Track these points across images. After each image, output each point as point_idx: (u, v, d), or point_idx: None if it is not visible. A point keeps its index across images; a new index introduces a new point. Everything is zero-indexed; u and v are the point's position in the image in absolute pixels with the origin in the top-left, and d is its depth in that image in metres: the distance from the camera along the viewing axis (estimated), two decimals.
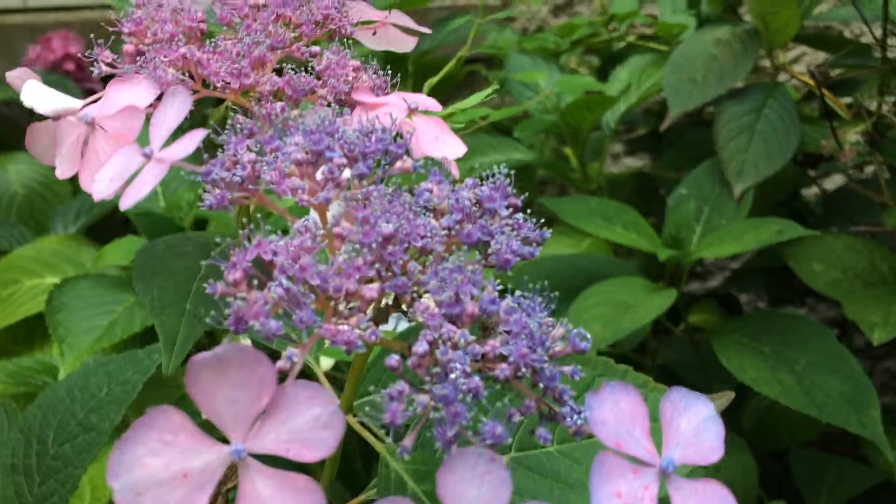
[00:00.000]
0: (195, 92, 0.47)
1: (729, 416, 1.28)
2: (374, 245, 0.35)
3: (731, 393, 0.69)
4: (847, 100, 1.33)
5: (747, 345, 1.19)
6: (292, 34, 0.50)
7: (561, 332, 0.37)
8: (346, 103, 0.49)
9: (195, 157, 0.41)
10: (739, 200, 1.27)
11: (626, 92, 1.44)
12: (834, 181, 1.72)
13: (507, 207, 0.39)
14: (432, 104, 0.50)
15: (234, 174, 0.38)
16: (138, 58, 0.48)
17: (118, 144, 0.43)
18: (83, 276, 0.98)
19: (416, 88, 1.10)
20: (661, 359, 1.41)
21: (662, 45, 1.59)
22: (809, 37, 1.49)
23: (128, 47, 0.49)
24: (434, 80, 1.12)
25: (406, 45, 0.59)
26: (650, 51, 1.55)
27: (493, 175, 0.40)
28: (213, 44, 0.48)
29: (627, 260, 1.42)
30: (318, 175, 0.39)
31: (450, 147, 0.47)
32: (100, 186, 0.41)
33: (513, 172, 0.39)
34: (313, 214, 0.38)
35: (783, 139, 1.31)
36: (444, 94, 1.15)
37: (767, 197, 1.40)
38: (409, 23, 0.57)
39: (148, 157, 0.40)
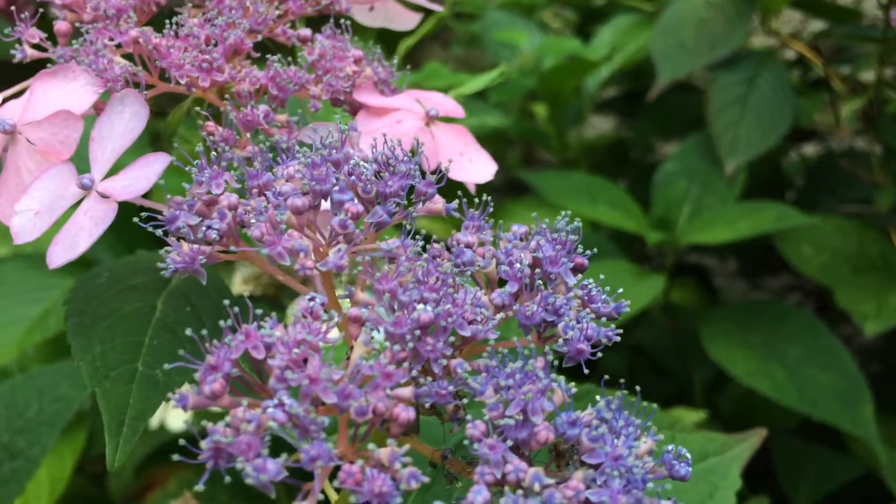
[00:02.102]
0: (151, 87, 0.36)
1: (707, 401, 1.21)
2: (408, 338, 0.25)
3: (763, 430, 0.61)
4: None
5: (736, 335, 1.12)
6: (276, 12, 0.39)
7: (649, 447, 0.27)
8: (344, 104, 0.39)
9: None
10: (731, 178, 1.19)
11: (609, 55, 1.35)
12: (811, 148, 1.65)
13: (574, 271, 0.30)
14: (453, 108, 0.40)
15: (209, 227, 0.27)
16: (75, 41, 0.36)
17: (47, 162, 0.32)
18: (11, 256, 0.86)
19: (383, 47, 0.98)
20: (636, 338, 1.34)
21: (644, 3, 1.50)
22: (804, 2, 1.40)
23: (60, 25, 0.37)
24: (410, 41, 1.01)
25: (408, 21, 0.48)
26: (632, 9, 1.45)
27: (556, 228, 0.30)
28: (174, 24, 0.36)
29: (596, 232, 1.34)
30: (320, 216, 0.29)
31: (477, 166, 0.37)
32: (21, 221, 0.30)
33: (579, 224, 0.29)
34: (317, 285, 0.28)
35: (776, 113, 1.24)
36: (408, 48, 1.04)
37: (753, 171, 1.33)
38: None
39: (87, 188, 0.30)
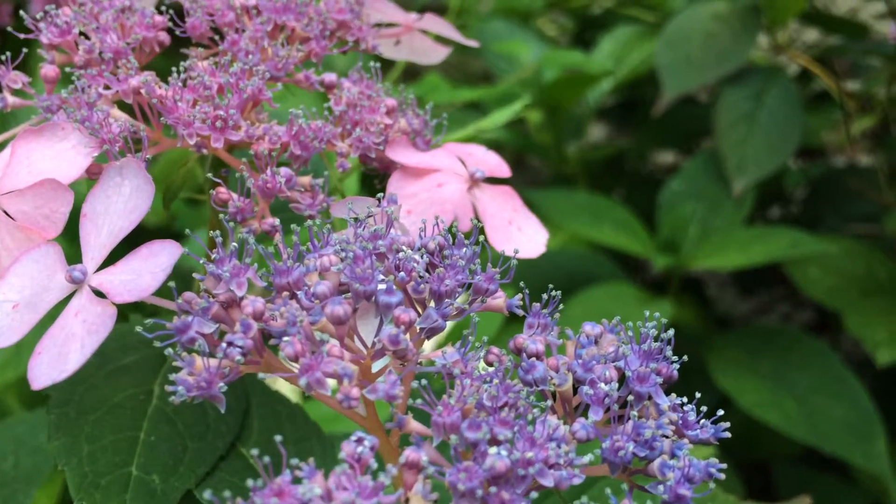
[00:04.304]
0: (153, 143, 0.31)
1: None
2: (479, 493, 0.20)
3: (807, 499, 0.57)
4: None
5: (744, 363, 1.09)
6: (297, 52, 0.33)
7: None
8: (374, 162, 0.33)
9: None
10: (739, 199, 1.15)
11: (612, 69, 1.30)
12: (811, 161, 1.62)
13: (664, 385, 0.25)
14: (496, 164, 0.35)
15: (231, 343, 0.22)
16: (64, 91, 0.31)
17: (29, 240, 0.27)
18: None
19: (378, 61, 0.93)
20: None
21: (645, 13, 1.46)
22: (810, 15, 1.37)
23: (47, 69, 0.31)
24: None
25: (436, 55, 0.43)
26: (632, 19, 1.41)
27: (644, 335, 0.25)
28: (181, 71, 0.31)
29: (599, 253, 1.30)
30: (361, 320, 0.24)
31: (527, 236, 0.32)
32: None
33: (672, 334, 0.25)
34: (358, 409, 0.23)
35: (785, 130, 1.20)
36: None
37: (757, 189, 1.29)
38: (448, 30, 0.41)
39: (77, 282, 0.24)
